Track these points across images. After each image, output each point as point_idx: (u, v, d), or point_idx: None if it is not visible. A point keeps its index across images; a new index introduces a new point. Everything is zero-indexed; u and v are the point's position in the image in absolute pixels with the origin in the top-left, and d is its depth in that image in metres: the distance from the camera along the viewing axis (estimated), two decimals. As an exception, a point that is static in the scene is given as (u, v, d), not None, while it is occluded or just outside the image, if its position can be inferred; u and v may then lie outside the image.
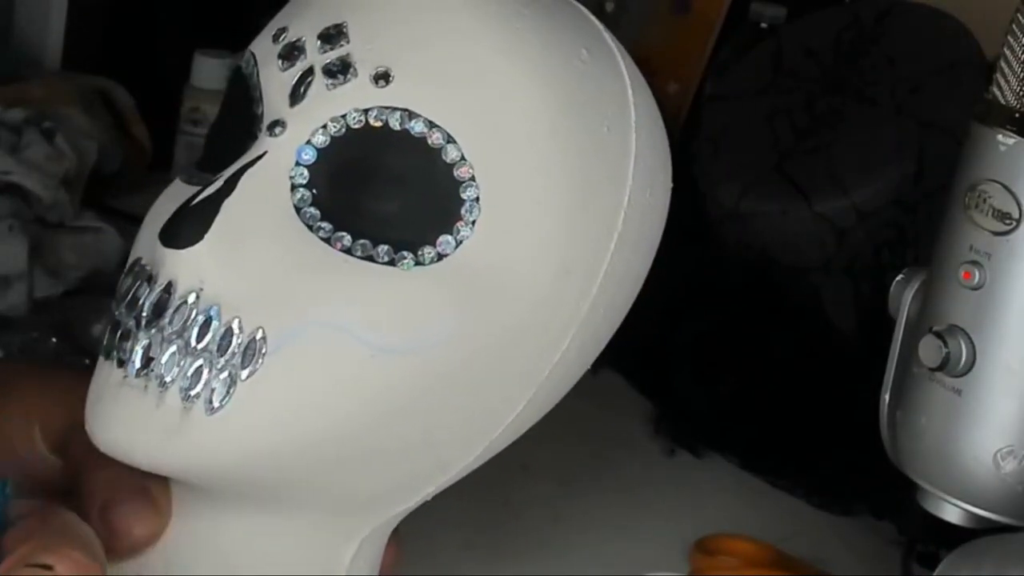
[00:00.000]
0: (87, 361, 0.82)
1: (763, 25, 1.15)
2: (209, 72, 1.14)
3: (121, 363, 0.41)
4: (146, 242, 0.43)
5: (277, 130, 0.42)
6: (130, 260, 0.43)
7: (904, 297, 0.68)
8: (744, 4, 1.17)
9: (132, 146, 1.12)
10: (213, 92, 1.14)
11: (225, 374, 0.40)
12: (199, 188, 0.42)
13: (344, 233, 0.41)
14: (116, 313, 0.42)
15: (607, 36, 0.46)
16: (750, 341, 0.96)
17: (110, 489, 0.43)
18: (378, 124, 0.41)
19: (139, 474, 0.42)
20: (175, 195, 0.43)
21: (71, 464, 0.44)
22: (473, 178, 0.41)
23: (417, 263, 0.41)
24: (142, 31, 1.21)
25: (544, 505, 0.83)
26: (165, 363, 0.41)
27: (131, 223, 0.99)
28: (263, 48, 0.44)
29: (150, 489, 0.43)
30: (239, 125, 0.43)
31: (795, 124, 0.98)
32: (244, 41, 0.46)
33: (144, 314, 0.41)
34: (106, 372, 0.42)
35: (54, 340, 0.86)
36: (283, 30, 0.43)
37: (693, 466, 0.92)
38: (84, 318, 0.87)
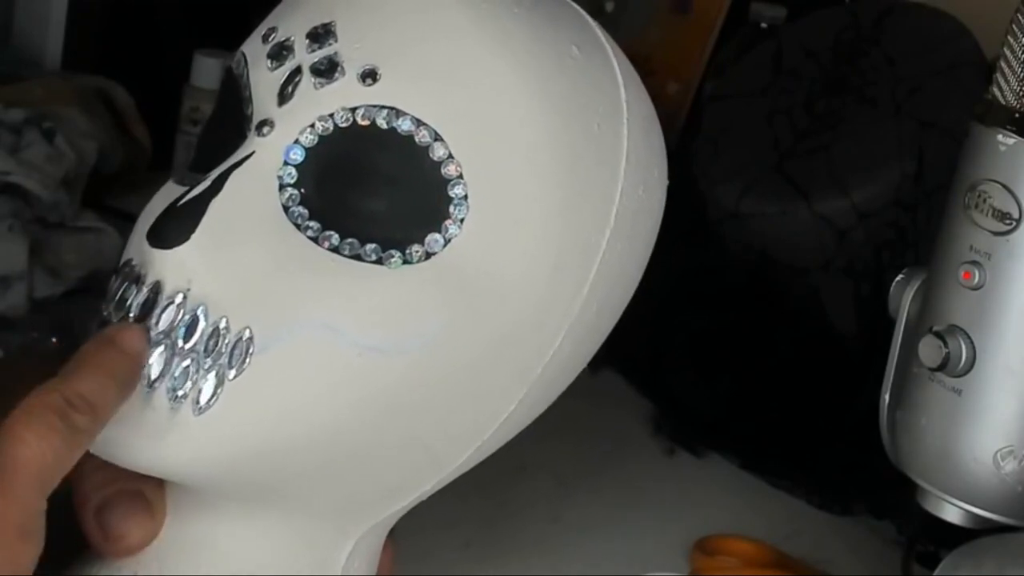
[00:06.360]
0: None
1: (763, 25, 1.15)
2: (209, 72, 1.14)
3: None
4: (137, 243, 0.43)
5: (265, 130, 0.42)
6: (121, 261, 0.43)
7: (904, 297, 0.68)
8: (744, 4, 1.17)
9: (132, 146, 1.12)
10: (213, 92, 1.12)
11: (213, 374, 0.40)
12: (187, 188, 0.42)
13: (332, 232, 0.41)
14: (105, 314, 0.42)
15: (600, 33, 0.45)
16: (750, 341, 0.96)
17: (105, 492, 0.43)
18: (365, 123, 0.41)
19: (134, 476, 0.42)
20: (167, 196, 0.43)
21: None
22: (461, 176, 0.41)
23: (405, 262, 0.41)
24: (142, 31, 1.20)
25: (542, 505, 0.83)
26: (152, 363, 0.41)
27: (131, 223, 0.99)
28: (253, 48, 0.44)
29: (144, 492, 0.43)
30: (229, 125, 0.43)
31: (795, 124, 0.98)
32: (243, 41, 0.46)
33: (132, 315, 0.41)
34: None
35: (54, 340, 0.86)
36: (272, 30, 0.43)
37: (693, 466, 0.92)
38: (84, 318, 0.87)
